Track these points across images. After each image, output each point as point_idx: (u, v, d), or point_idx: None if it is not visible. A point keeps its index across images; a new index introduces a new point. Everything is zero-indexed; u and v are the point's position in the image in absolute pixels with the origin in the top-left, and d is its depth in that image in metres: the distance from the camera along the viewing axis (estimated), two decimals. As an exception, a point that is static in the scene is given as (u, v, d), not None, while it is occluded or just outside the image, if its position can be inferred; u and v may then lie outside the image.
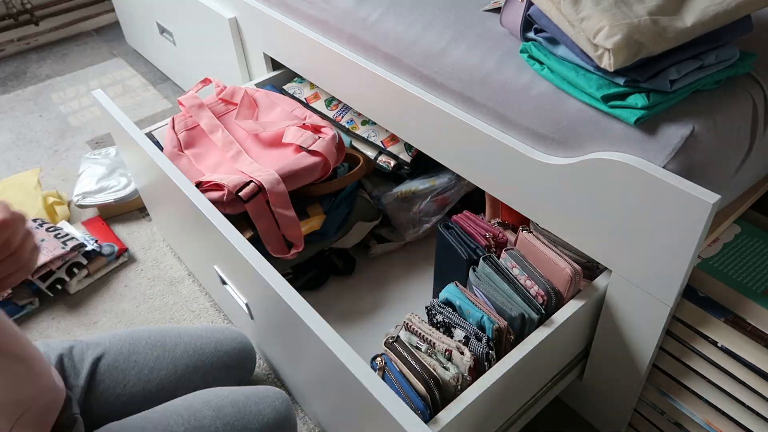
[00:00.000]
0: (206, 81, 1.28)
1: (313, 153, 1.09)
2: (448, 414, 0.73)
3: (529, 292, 0.85)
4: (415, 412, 0.72)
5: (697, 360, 0.84)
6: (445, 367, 0.78)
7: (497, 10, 0.94)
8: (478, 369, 0.78)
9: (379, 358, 0.77)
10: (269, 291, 0.87)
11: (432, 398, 0.75)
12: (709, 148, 0.70)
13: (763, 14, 0.88)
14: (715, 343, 0.80)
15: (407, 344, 0.80)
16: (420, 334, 0.82)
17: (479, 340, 0.79)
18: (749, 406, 0.80)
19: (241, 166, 1.10)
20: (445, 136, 0.94)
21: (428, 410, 0.74)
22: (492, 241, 0.95)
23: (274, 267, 0.90)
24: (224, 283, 1.10)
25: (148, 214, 1.63)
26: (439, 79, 0.92)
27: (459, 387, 0.77)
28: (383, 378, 0.75)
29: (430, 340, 0.81)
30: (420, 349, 0.81)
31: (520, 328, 0.82)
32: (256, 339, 1.15)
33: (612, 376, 0.96)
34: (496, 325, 0.79)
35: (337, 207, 1.17)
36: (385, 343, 0.79)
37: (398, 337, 0.79)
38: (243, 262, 0.92)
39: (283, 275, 0.90)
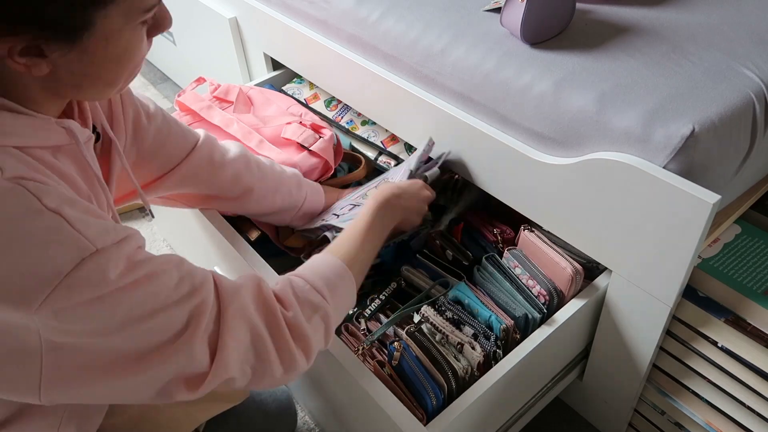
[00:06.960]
0: (200, 80, 1.28)
1: (313, 154, 1.09)
2: (451, 412, 0.73)
3: (531, 292, 0.85)
4: (432, 399, 0.74)
5: (697, 360, 0.84)
6: (456, 358, 0.79)
7: (497, 10, 0.94)
8: (485, 366, 0.79)
9: (396, 343, 0.78)
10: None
11: (449, 388, 0.76)
12: (709, 148, 0.69)
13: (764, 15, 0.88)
14: (715, 343, 0.80)
15: (427, 334, 0.81)
16: (435, 325, 0.84)
17: (487, 338, 0.80)
18: (749, 406, 0.80)
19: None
20: (445, 136, 0.94)
21: (443, 398, 0.75)
22: (499, 237, 0.95)
23: (274, 269, 0.90)
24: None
25: (148, 214, 1.63)
26: (439, 79, 0.92)
27: (467, 379, 0.77)
28: (399, 362, 0.78)
29: (444, 332, 0.82)
30: (434, 339, 0.82)
31: (524, 328, 0.83)
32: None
33: (612, 376, 0.96)
34: (504, 325, 0.80)
35: (337, 207, 1.17)
36: (406, 332, 0.80)
37: (421, 328, 0.81)
38: (243, 264, 0.92)
39: (284, 275, 0.90)
